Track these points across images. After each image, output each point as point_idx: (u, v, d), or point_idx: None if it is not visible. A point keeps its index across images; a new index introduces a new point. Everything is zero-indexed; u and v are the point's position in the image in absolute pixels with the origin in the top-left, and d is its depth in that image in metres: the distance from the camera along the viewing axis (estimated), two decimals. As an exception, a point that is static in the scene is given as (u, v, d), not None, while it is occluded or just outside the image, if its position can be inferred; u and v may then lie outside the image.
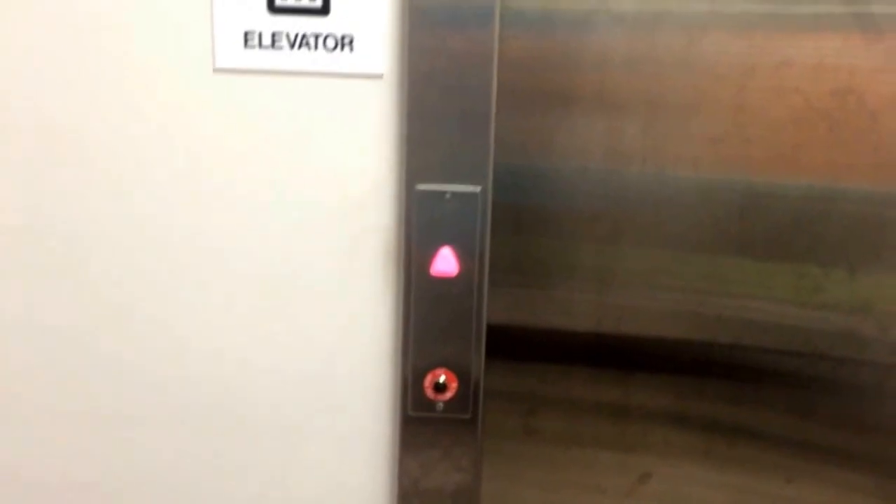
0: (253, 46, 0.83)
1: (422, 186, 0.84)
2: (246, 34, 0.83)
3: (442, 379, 0.88)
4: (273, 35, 0.83)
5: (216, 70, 0.84)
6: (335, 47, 0.83)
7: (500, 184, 0.84)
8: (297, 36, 0.83)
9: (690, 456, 0.91)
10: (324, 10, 0.82)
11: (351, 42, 0.83)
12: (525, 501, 0.94)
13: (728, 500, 0.92)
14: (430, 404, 0.89)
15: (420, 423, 0.91)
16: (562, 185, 0.86)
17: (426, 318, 0.87)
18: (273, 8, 0.82)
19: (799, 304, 0.86)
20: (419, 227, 0.85)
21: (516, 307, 0.89)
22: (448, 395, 0.89)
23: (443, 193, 0.84)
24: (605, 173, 0.85)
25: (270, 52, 0.83)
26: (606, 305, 0.88)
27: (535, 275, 0.88)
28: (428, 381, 0.89)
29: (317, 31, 0.83)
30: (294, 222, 0.88)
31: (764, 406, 0.90)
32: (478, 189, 0.84)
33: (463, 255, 0.85)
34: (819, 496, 0.91)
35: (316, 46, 0.83)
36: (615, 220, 0.86)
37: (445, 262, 0.85)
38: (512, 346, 0.90)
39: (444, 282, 0.86)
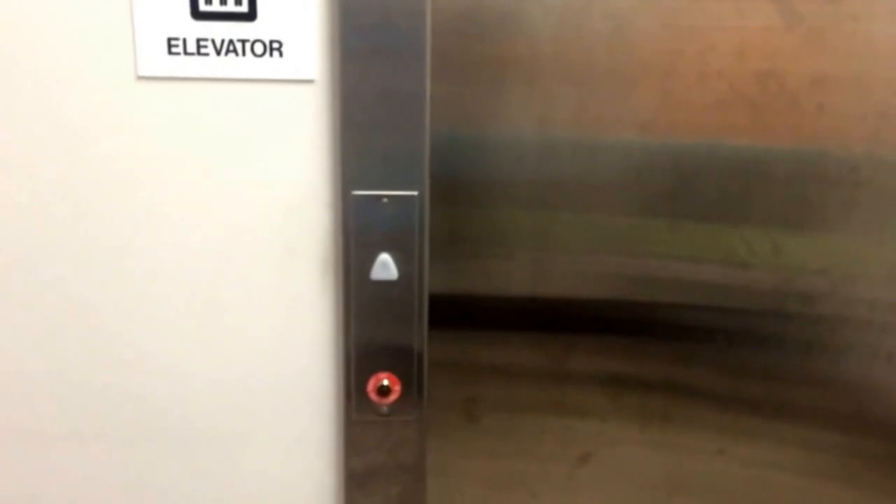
0: (177, 53, 0.81)
1: (358, 192, 0.83)
2: (169, 40, 0.80)
3: (385, 382, 0.88)
4: (198, 41, 0.80)
5: (139, 78, 0.82)
6: (263, 53, 0.81)
7: (434, 157, 0.84)
8: (223, 42, 0.80)
9: (630, 416, 0.94)
10: (250, 15, 0.80)
11: (280, 47, 0.81)
12: (470, 474, 0.95)
13: (667, 459, 0.95)
14: (374, 407, 0.89)
15: (364, 426, 0.91)
16: (495, 156, 0.86)
17: (367, 323, 0.87)
18: (197, 13, 0.80)
19: (730, 266, 0.89)
20: (357, 232, 0.84)
21: (455, 278, 0.89)
22: (392, 397, 0.89)
23: (380, 198, 0.83)
24: (539, 144, 0.85)
25: (196, 59, 0.81)
26: (543, 272, 0.89)
27: (473, 245, 0.88)
28: (371, 384, 0.89)
29: (244, 36, 0.80)
30: (228, 231, 0.86)
31: (700, 364, 0.93)
32: (415, 193, 0.83)
33: (402, 259, 0.85)
34: (753, 450, 0.95)
35: (243, 52, 0.81)
36: (550, 188, 0.87)
37: (385, 267, 0.85)
38: (450, 315, 0.90)
39: (384, 286, 0.86)
